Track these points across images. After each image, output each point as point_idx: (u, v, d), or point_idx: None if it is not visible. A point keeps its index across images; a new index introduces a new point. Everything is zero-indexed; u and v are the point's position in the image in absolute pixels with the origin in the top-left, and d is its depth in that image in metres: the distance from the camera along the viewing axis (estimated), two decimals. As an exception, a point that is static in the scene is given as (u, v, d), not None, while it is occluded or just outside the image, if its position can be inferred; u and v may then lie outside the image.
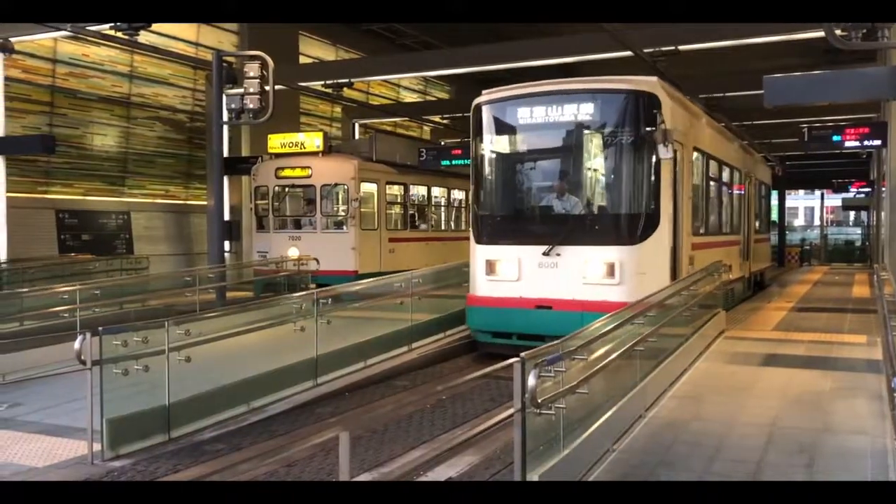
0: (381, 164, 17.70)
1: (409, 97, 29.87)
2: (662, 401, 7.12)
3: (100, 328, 6.19)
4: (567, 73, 15.84)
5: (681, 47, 14.21)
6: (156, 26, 15.23)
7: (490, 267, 10.19)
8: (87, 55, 18.81)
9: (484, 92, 10.69)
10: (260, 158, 17.80)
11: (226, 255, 15.90)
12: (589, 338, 5.47)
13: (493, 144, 10.64)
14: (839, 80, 9.63)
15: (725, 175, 14.04)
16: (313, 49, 24.33)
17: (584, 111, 9.87)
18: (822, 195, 49.05)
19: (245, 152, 20.48)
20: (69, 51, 18.43)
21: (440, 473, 5.73)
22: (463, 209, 20.96)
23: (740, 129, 20.59)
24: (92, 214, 19.32)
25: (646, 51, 14.02)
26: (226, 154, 16.04)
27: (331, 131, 24.45)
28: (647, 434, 6.15)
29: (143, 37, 14.21)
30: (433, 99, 30.35)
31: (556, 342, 4.99)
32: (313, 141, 16.99)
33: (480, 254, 10.34)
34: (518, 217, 10.70)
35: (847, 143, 14.04)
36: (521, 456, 4.45)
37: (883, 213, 19.39)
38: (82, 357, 6.13)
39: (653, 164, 9.54)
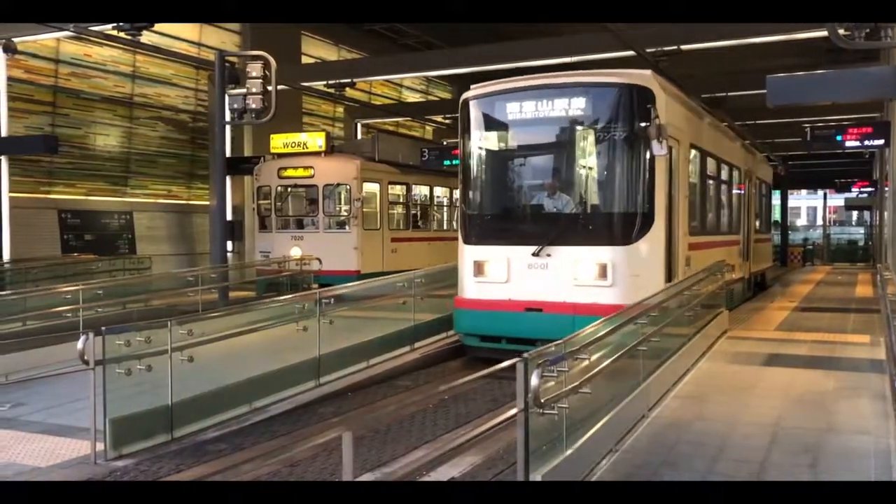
0: (384, 164, 17.70)
1: (412, 97, 29.88)
2: (665, 400, 7.11)
3: (103, 328, 6.19)
4: (569, 73, 15.79)
5: (683, 47, 14.17)
6: (158, 26, 15.23)
7: (478, 268, 9.80)
8: (89, 55, 18.83)
9: (472, 86, 10.27)
10: (262, 158, 17.80)
11: (228, 255, 15.89)
12: (591, 338, 5.46)
13: (481, 141, 10.20)
14: (842, 80, 9.58)
15: (724, 173, 13.69)
16: (315, 49, 24.34)
17: (576, 106, 9.46)
18: (825, 195, 48.92)
19: (247, 152, 20.49)
20: (72, 51, 18.45)
21: (443, 473, 5.72)
22: (464, 209, 20.91)
23: (743, 129, 20.57)
24: (94, 214, 19.34)
25: (648, 50, 13.98)
26: (228, 154, 16.04)
27: (333, 131, 24.51)
28: (650, 434, 6.14)
29: (146, 37, 14.24)
30: (435, 99, 30.33)
31: (558, 342, 4.98)
32: (316, 141, 16.99)
33: (468, 254, 9.95)
34: (507, 216, 10.30)
35: (850, 143, 13.95)
36: (524, 456, 4.44)
37: (886, 213, 19.39)
38: (85, 357, 6.13)
39: (647, 160, 9.13)
